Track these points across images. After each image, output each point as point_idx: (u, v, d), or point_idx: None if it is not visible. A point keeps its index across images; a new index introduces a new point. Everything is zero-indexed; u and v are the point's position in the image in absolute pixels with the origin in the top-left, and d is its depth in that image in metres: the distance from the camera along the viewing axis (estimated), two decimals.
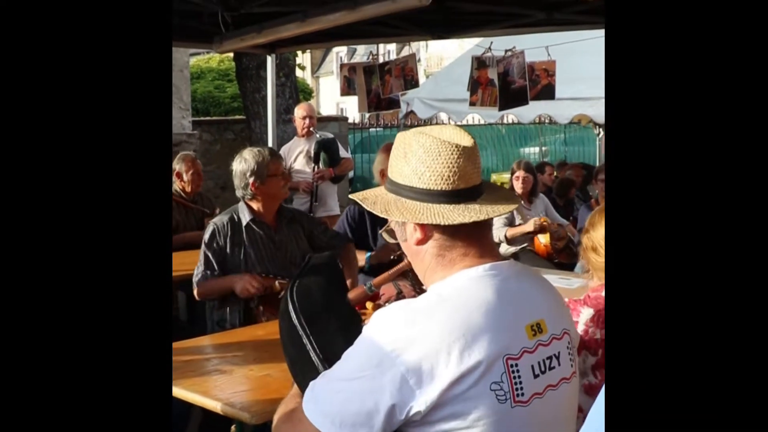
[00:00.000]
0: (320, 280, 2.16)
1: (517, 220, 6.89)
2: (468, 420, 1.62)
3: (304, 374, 1.93)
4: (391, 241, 1.96)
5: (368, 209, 1.90)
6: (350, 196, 2.16)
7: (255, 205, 4.16)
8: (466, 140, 1.83)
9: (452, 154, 1.78)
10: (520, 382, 1.67)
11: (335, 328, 2.00)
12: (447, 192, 1.78)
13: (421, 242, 1.81)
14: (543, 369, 1.73)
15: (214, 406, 2.64)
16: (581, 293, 2.54)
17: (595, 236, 2.49)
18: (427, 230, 1.80)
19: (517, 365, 1.67)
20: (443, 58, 33.41)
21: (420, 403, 1.60)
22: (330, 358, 1.83)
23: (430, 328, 1.64)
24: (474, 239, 1.80)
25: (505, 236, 6.78)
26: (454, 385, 1.59)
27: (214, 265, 4.05)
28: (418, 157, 1.80)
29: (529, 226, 6.69)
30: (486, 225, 1.85)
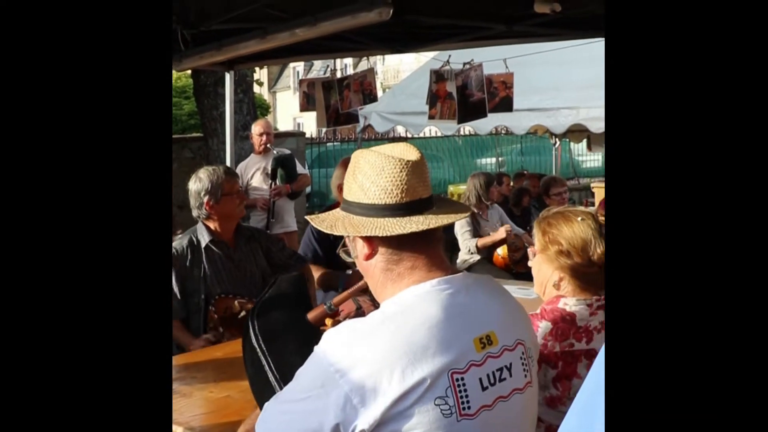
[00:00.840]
0: (283, 300, 2.19)
1: (473, 230, 6.92)
2: None
3: (262, 394, 1.96)
4: (348, 259, 1.99)
5: (317, 226, 1.95)
6: (307, 218, 2.19)
7: (212, 225, 4.12)
8: (412, 155, 1.87)
9: (395, 167, 1.82)
10: (467, 396, 1.68)
11: (293, 348, 2.04)
12: (391, 206, 1.81)
13: (369, 257, 1.84)
14: (492, 381, 1.74)
15: (174, 430, 2.59)
16: (540, 303, 2.53)
17: (561, 236, 2.46)
18: (373, 244, 1.83)
19: (463, 379, 1.68)
20: (400, 71, 33.65)
21: (363, 422, 1.61)
22: (286, 378, 1.84)
23: (373, 347, 1.65)
24: (421, 252, 1.83)
25: (476, 246, 6.81)
26: (398, 402, 1.61)
27: (175, 292, 3.99)
28: (363, 174, 1.85)
29: (501, 234, 6.74)
30: (435, 238, 1.87)
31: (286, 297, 2.27)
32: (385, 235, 1.77)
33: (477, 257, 6.89)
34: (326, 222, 1.90)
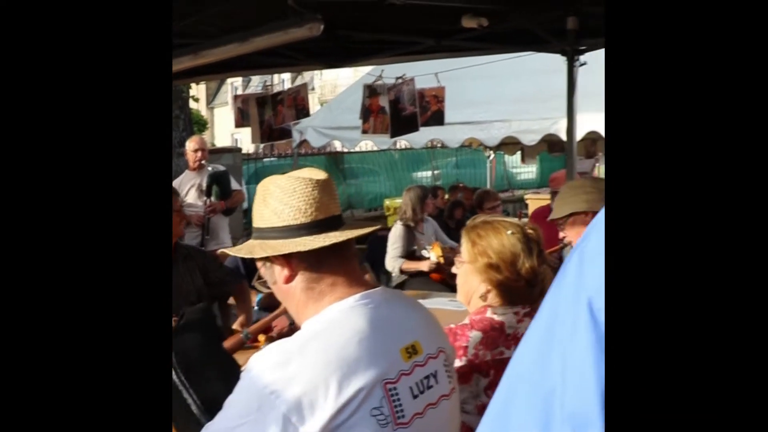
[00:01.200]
0: (196, 333, 2.17)
1: (404, 246, 6.88)
2: None
3: (188, 428, 1.96)
4: (264, 290, 1.99)
5: (235, 254, 1.96)
6: (223, 251, 2.19)
7: None
8: (321, 175, 1.91)
9: (306, 187, 1.85)
10: (400, 405, 1.72)
11: (214, 378, 2.05)
12: (306, 224, 1.84)
13: (289, 279, 1.85)
14: (421, 389, 1.79)
15: None
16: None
17: (490, 248, 2.46)
18: (293, 265, 1.84)
19: (395, 389, 1.72)
20: (337, 85, 33.51)
21: None
22: (212, 409, 1.84)
23: (305, 364, 1.66)
24: (340, 269, 1.85)
25: (400, 269, 6.77)
26: (336, 416, 1.62)
27: None
28: (275, 198, 1.87)
29: (425, 266, 6.69)
30: (351, 254, 1.91)
31: (196, 331, 2.26)
32: (306, 250, 1.79)
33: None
34: (243, 249, 1.91)
